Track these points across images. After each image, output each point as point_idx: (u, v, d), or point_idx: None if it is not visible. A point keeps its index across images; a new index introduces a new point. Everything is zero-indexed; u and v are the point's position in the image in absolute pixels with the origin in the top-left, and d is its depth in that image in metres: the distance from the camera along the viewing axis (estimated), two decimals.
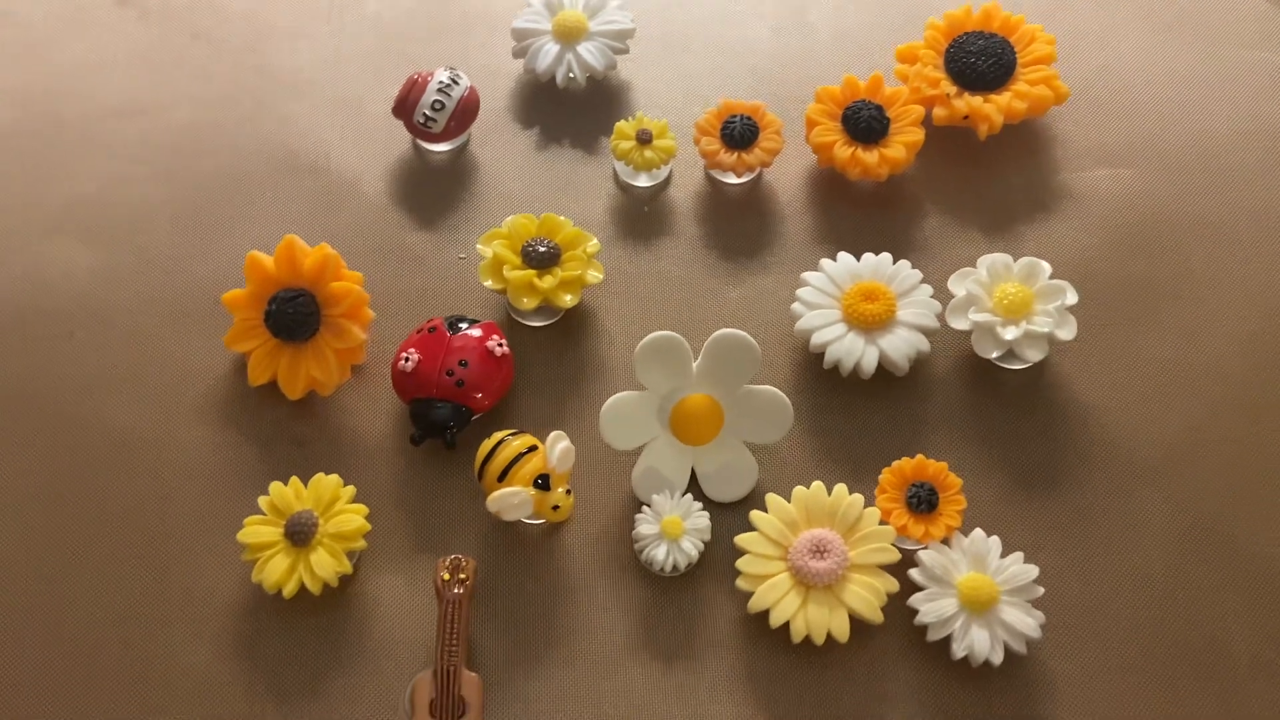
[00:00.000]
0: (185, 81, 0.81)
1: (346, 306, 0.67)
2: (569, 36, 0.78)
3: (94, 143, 0.78)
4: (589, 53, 0.78)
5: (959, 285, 0.69)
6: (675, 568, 0.63)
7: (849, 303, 0.68)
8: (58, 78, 0.81)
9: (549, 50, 0.78)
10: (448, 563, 0.61)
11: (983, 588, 0.61)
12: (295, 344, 0.67)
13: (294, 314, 0.66)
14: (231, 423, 0.69)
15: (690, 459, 0.66)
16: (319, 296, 0.67)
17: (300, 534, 0.62)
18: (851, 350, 0.67)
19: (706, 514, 0.64)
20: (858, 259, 0.70)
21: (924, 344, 0.68)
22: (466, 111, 0.75)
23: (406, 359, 0.66)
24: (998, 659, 0.60)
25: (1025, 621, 0.60)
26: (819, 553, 0.61)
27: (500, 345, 0.67)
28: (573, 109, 0.79)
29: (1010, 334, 0.66)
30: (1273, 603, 0.63)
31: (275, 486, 0.63)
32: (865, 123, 0.73)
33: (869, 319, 0.68)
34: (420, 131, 0.75)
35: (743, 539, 0.63)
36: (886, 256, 0.70)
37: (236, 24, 0.83)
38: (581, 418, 0.68)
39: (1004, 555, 0.62)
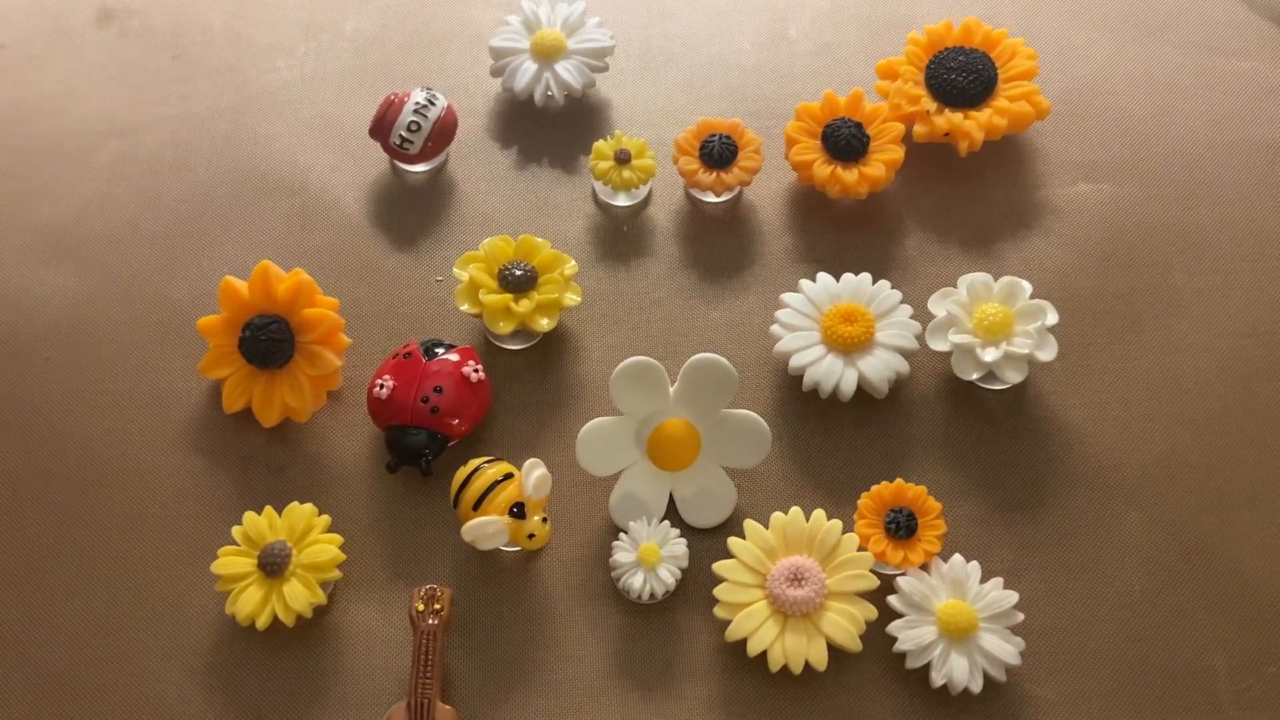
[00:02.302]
0: (164, 102, 0.80)
1: (321, 333, 0.66)
2: (547, 55, 0.77)
3: (71, 163, 0.78)
4: (567, 71, 0.77)
5: (939, 306, 0.68)
6: (653, 595, 0.62)
7: (828, 324, 0.68)
8: (37, 98, 0.81)
9: (527, 69, 0.77)
10: (423, 593, 0.61)
11: (961, 615, 0.60)
12: (270, 371, 0.67)
13: (267, 341, 0.66)
14: (207, 448, 0.68)
15: (668, 484, 0.66)
16: (293, 323, 0.66)
17: (273, 565, 0.61)
18: (830, 372, 0.67)
19: (684, 541, 0.63)
20: (837, 279, 0.70)
21: (903, 366, 0.67)
22: (444, 132, 0.75)
23: (382, 385, 0.66)
24: (977, 687, 0.59)
25: (1005, 648, 0.60)
26: (797, 580, 0.61)
27: (476, 371, 0.67)
28: (551, 128, 0.79)
29: (990, 356, 0.66)
30: (1254, 627, 0.63)
31: (249, 516, 0.63)
32: (845, 141, 0.73)
33: (848, 341, 0.67)
34: (397, 153, 0.74)
35: (720, 566, 0.62)
36: (866, 277, 0.70)
37: (216, 45, 0.83)
38: (559, 442, 0.68)
39: (984, 580, 0.62)
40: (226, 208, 0.76)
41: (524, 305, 0.68)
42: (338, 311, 0.68)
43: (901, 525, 0.62)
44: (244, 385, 0.67)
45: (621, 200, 0.76)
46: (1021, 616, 0.61)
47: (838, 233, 0.74)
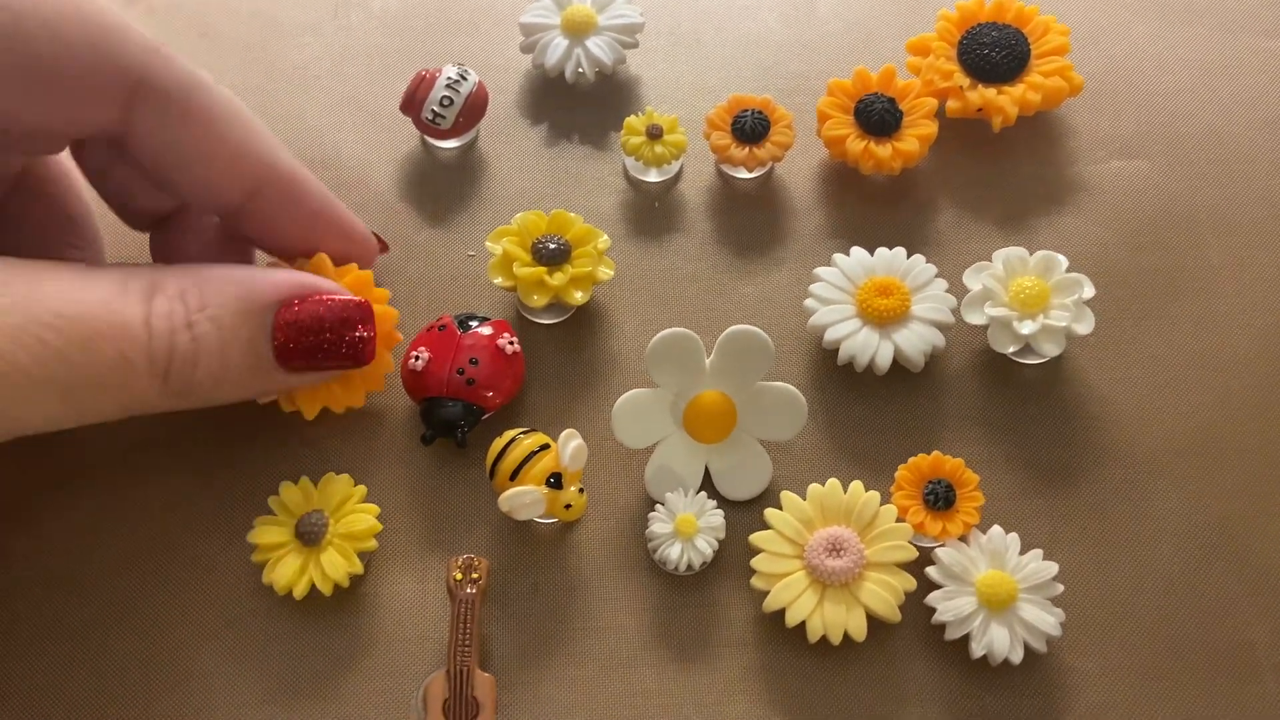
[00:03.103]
0: None
1: (381, 334, 0.64)
2: (578, 31, 0.77)
3: None
4: (598, 47, 0.77)
5: (974, 279, 0.68)
6: (690, 566, 0.62)
7: (863, 298, 0.68)
8: None
9: (558, 45, 0.77)
10: (460, 562, 0.61)
11: (1001, 585, 0.60)
12: None
13: None
14: (242, 422, 0.68)
15: (704, 456, 0.65)
16: None
17: (310, 534, 0.61)
18: (866, 346, 0.67)
19: (721, 512, 0.63)
20: (871, 254, 0.70)
21: (939, 339, 0.67)
22: (475, 107, 0.75)
23: (417, 358, 0.66)
24: (1017, 657, 0.59)
25: (1045, 619, 0.60)
26: (835, 551, 0.61)
27: (511, 343, 0.67)
28: (582, 104, 0.79)
29: (1027, 328, 0.66)
30: None
31: (285, 486, 0.63)
32: (878, 116, 0.72)
33: (883, 314, 0.67)
34: (429, 128, 0.74)
35: (757, 537, 0.62)
36: (900, 251, 0.69)
37: (244, 21, 0.83)
38: (594, 415, 0.68)
39: (1022, 552, 0.62)
40: None
41: (558, 278, 0.67)
42: (387, 303, 0.66)
43: (940, 497, 0.62)
44: None
45: (653, 176, 0.76)
46: (1061, 588, 0.61)
47: (870, 208, 0.74)
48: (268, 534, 0.62)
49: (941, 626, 0.60)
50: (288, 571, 0.61)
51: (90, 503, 0.66)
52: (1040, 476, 0.66)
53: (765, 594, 0.61)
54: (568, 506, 0.62)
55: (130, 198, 0.66)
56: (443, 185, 0.76)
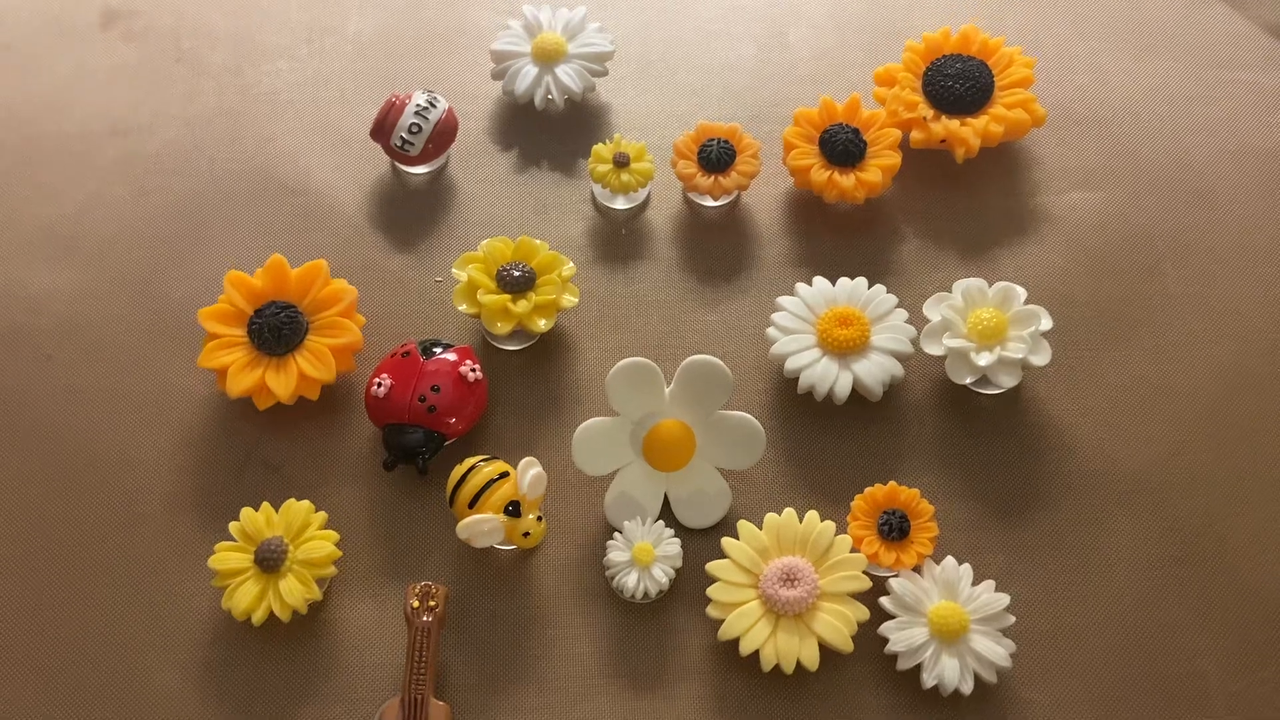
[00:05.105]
0: (167, 102, 0.81)
1: (343, 308, 0.68)
2: (548, 58, 0.78)
3: (75, 162, 0.78)
4: (567, 75, 0.78)
5: (934, 310, 0.69)
6: (646, 595, 0.63)
7: (824, 328, 0.68)
8: (41, 97, 0.81)
9: (528, 72, 0.78)
10: (418, 589, 0.61)
11: (953, 616, 0.60)
12: (276, 358, 0.67)
13: (279, 326, 0.67)
14: (205, 446, 0.69)
15: (663, 485, 0.66)
16: (308, 304, 0.69)
17: (270, 561, 0.61)
18: (825, 375, 0.67)
19: (678, 541, 0.64)
20: (833, 283, 0.70)
21: (898, 369, 0.67)
22: (444, 134, 0.75)
23: (379, 384, 0.66)
24: (967, 688, 0.60)
25: (995, 650, 0.60)
26: (789, 581, 0.61)
27: (473, 370, 0.67)
28: (551, 131, 0.79)
29: (984, 360, 0.66)
30: (1245, 631, 0.63)
31: (246, 512, 0.63)
32: (842, 146, 0.73)
33: (843, 344, 0.67)
34: (398, 154, 0.75)
35: (714, 566, 0.63)
36: (861, 281, 0.70)
37: (220, 46, 0.83)
38: (555, 442, 0.68)
39: (975, 583, 0.62)
40: (228, 208, 0.77)
41: (522, 306, 0.68)
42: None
43: (894, 527, 0.62)
44: (248, 370, 0.67)
45: (620, 203, 0.76)
46: (1013, 619, 0.61)
47: (834, 237, 0.75)
48: (227, 560, 0.62)
49: (893, 657, 0.61)
50: (246, 598, 0.61)
51: (50, 522, 0.66)
52: (996, 507, 0.66)
53: (721, 622, 0.61)
54: (526, 534, 0.63)
55: None
56: (412, 211, 0.76)
